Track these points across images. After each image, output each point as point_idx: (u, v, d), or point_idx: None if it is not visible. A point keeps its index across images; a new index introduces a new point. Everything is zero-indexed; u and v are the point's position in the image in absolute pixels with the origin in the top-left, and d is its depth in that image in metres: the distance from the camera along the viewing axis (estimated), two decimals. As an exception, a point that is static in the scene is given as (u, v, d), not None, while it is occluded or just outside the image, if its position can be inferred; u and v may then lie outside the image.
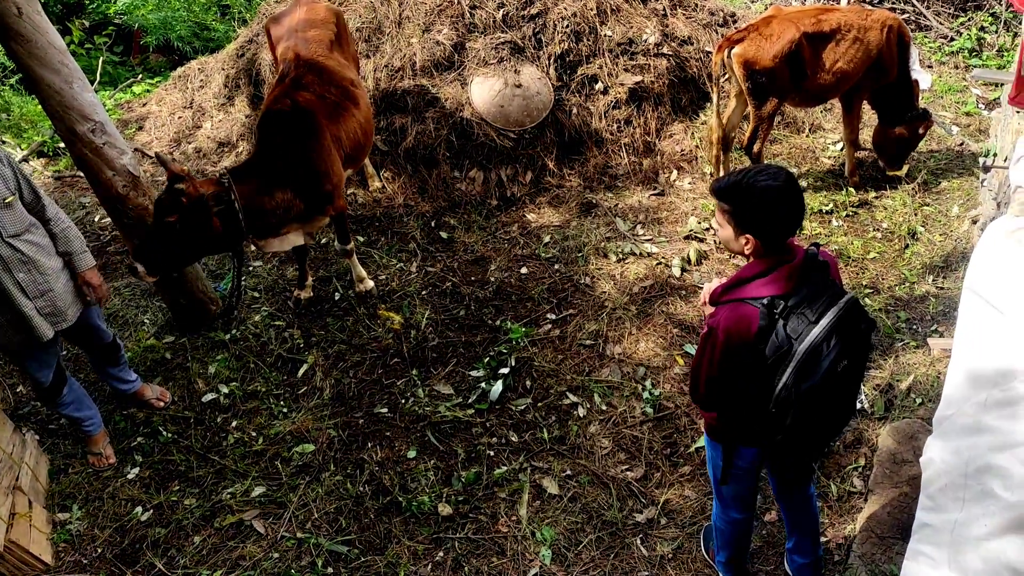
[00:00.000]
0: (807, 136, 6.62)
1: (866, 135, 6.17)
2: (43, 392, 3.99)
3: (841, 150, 6.37)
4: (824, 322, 2.47)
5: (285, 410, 4.51)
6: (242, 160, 4.48)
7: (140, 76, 9.22)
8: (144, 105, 7.90)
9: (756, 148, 5.66)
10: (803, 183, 6.00)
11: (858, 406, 4.28)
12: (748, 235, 2.56)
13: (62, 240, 3.78)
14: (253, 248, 5.06)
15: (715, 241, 5.50)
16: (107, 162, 4.36)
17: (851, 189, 5.89)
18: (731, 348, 2.56)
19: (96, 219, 6.27)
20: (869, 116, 6.17)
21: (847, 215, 5.69)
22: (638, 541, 3.77)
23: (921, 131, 5.75)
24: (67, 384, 4.06)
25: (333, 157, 4.57)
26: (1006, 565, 1.38)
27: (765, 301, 2.51)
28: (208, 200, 4.10)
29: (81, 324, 3.96)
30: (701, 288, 5.10)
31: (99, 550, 3.84)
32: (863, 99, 5.80)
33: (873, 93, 5.75)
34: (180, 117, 7.27)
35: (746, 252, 2.61)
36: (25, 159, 7.11)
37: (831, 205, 5.75)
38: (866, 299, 4.92)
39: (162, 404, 4.55)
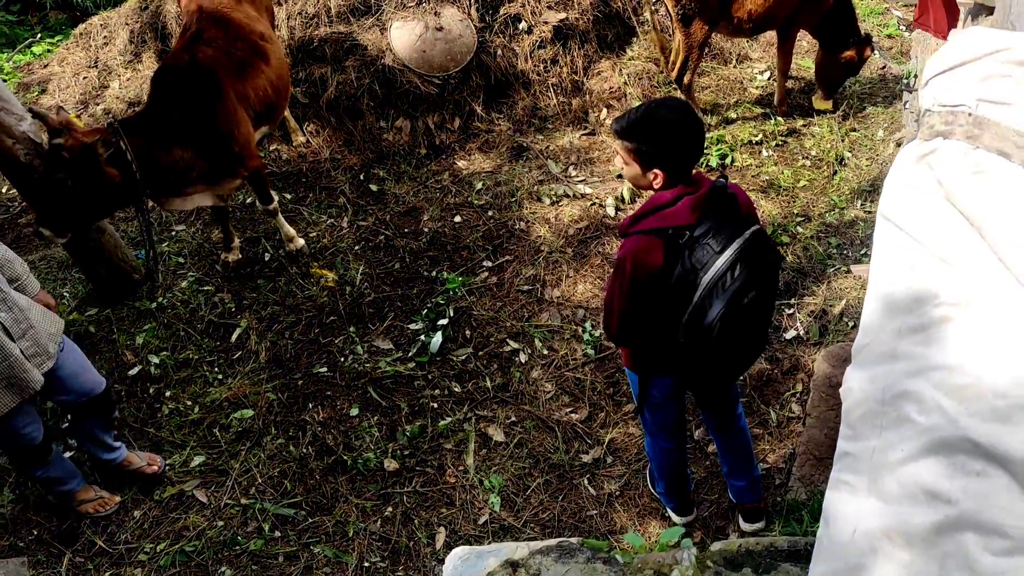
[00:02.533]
0: (734, 67, 6.60)
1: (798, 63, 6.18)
2: (33, 452, 3.38)
3: (769, 79, 6.37)
4: (728, 252, 2.52)
5: (220, 376, 4.40)
6: (133, 113, 4.19)
7: (40, 35, 8.70)
8: (46, 67, 7.46)
9: (687, 79, 5.62)
10: (731, 115, 6.01)
11: (791, 334, 4.36)
12: (656, 169, 2.59)
13: (6, 267, 3.33)
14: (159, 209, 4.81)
15: (648, 178, 5.48)
16: (5, 130, 4.10)
17: (780, 119, 5.91)
18: (638, 279, 2.60)
19: (3, 190, 5.97)
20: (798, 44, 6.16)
21: (776, 145, 5.72)
22: (585, 481, 3.81)
23: (866, 55, 5.72)
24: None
25: (239, 117, 4.35)
26: (921, 487, 1.41)
27: (670, 231, 2.54)
28: (95, 148, 3.78)
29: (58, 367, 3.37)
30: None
31: (35, 532, 3.73)
32: (800, 30, 5.74)
33: (815, 22, 5.62)
34: (85, 77, 6.89)
35: (655, 187, 2.63)
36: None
37: (760, 136, 5.77)
38: (798, 227, 4.98)
39: (155, 468, 3.88)
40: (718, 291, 2.50)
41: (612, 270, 2.74)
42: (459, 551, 1.84)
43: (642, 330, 2.79)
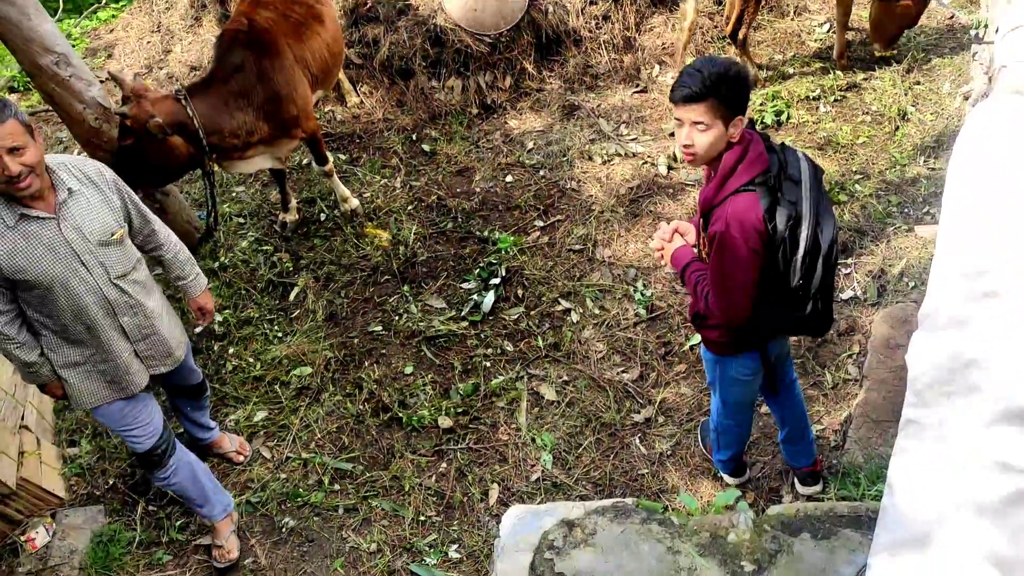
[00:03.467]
0: (792, 19, 6.41)
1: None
2: (144, 458, 3.23)
3: (828, 32, 6.18)
4: (805, 176, 2.51)
5: (280, 334, 4.52)
6: (198, 78, 4.28)
7: (104, 1, 8.84)
8: (111, 31, 7.61)
9: (742, 33, 5.49)
10: (788, 69, 5.86)
11: (848, 294, 4.30)
12: (741, 116, 2.53)
13: (174, 266, 3.27)
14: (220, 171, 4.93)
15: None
16: (75, 95, 4.21)
17: (839, 72, 5.75)
18: (751, 245, 2.49)
19: (75, 152, 6.13)
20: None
21: (835, 100, 5.57)
22: (637, 440, 3.84)
23: (925, 4, 5.48)
24: (174, 449, 3.30)
25: (297, 78, 4.41)
26: (992, 457, 1.39)
27: (758, 180, 2.49)
28: (153, 125, 3.88)
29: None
30: (690, 186, 5.05)
31: (110, 481, 3.91)
32: None
33: None
34: (149, 42, 7.02)
35: (736, 136, 2.55)
36: (-6, 96, 6.90)
37: (818, 91, 5.62)
38: (856, 185, 4.87)
39: (242, 458, 3.92)
40: (821, 213, 2.49)
41: (713, 259, 2.58)
42: (515, 510, 1.88)
43: (770, 301, 2.64)
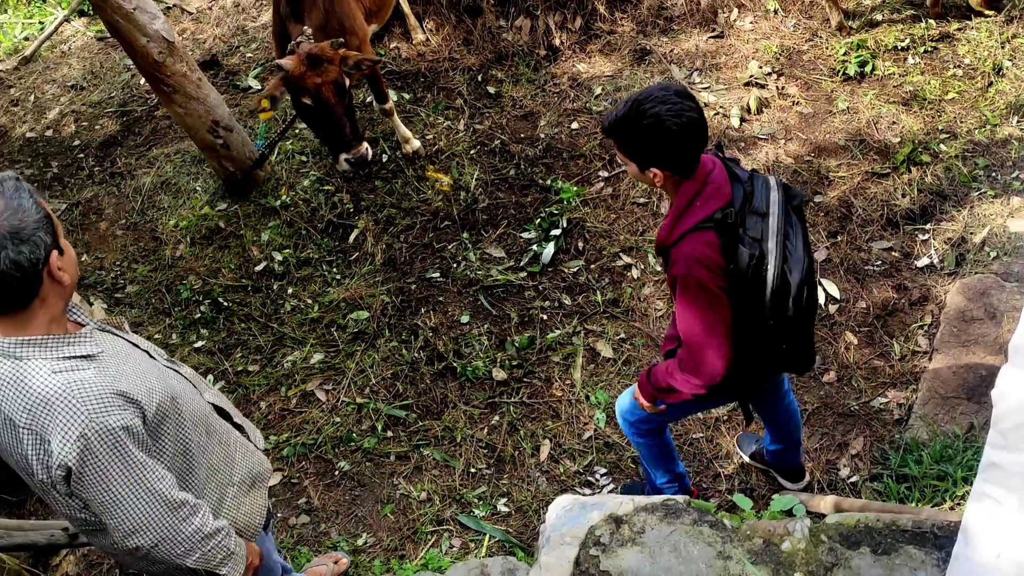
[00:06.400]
0: (884, -39, 6.02)
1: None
2: None
3: (922, -24, 5.79)
4: (774, 208, 2.28)
5: (338, 277, 4.54)
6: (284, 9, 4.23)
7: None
8: (176, -42, 7.57)
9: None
10: (877, 16, 5.52)
11: (923, 262, 4.11)
12: (654, 169, 2.29)
13: None
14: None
15: (777, 87, 5.16)
16: (139, 28, 4.21)
17: (931, 21, 5.39)
18: (715, 279, 2.26)
19: (142, 82, 6.17)
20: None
21: (925, 51, 5.24)
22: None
23: None
24: None
25: (354, 11, 4.33)
26: (1086, 513, 1.28)
27: (717, 215, 2.25)
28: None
29: None
30: (762, 140, 4.85)
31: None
32: None
33: None
34: (213, -30, 6.96)
35: (657, 185, 2.34)
36: (67, 18, 6.97)
37: (907, 41, 5.29)
38: (940, 145, 4.61)
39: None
40: (789, 250, 2.25)
41: (679, 301, 2.33)
42: (563, 500, 1.85)
43: (748, 343, 2.38)
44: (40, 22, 7.09)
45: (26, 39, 6.95)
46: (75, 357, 1.81)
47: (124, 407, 1.82)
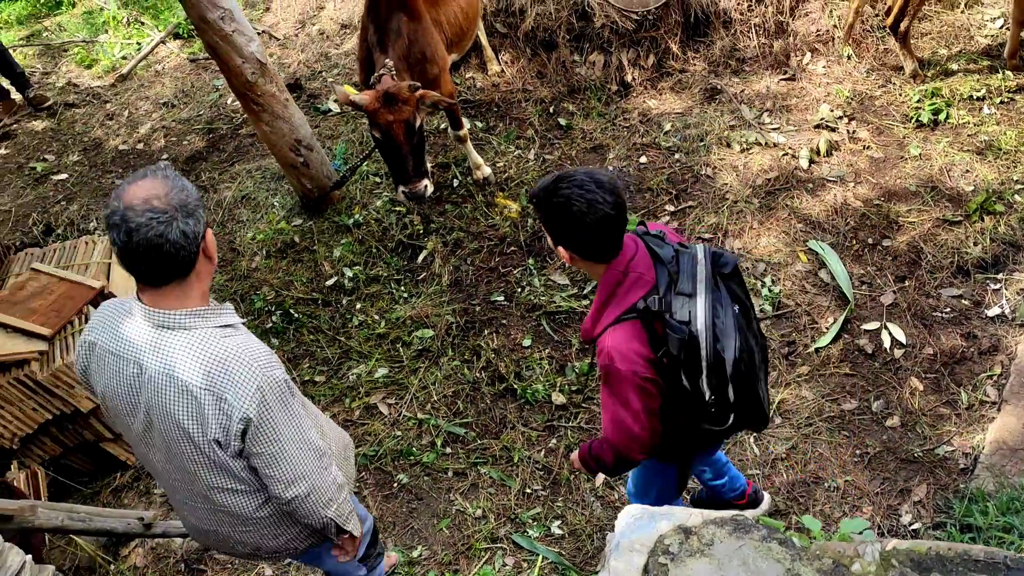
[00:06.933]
0: (962, 12, 6.01)
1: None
2: None
3: (1001, 28, 5.76)
4: (701, 287, 2.22)
5: (406, 295, 4.66)
6: (373, 43, 4.41)
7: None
8: (267, -14, 7.94)
9: (903, 26, 5.18)
10: (953, 66, 5.50)
11: (995, 311, 4.05)
12: (561, 248, 2.28)
13: None
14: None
15: (848, 131, 5.17)
16: (236, 49, 4.45)
17: (1009, 73, 5.35)
18: (640, 372, 2.21)
19: (229, 101, 6.48)
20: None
21: (1001, 102, 5.20)
22: (751, 440, 3.78)
23: None
24: None
25: (436, 41, 4.50)
26: None
27: (641, 304, 2.21)
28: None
29: None
30: (831, 182, 4.86)
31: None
32: None
33: None
34: (302, -1, 7.29)
35: (569, 263, 2.34)
36: (163, 40, 7.36)
37: (983, 91, 5.26)
38: (1016, 195, 4.56)
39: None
40: (720, 328, 2.20)
41: (603, 388, 2.32)
42: (633, 509, 1.89)
43: (676, 423, 2.37)
44: (137, 42, 7.50)
45: (124, 58, 7.35)
46: (228, 326, 1.98)
47: (279, 363, 2.02)
